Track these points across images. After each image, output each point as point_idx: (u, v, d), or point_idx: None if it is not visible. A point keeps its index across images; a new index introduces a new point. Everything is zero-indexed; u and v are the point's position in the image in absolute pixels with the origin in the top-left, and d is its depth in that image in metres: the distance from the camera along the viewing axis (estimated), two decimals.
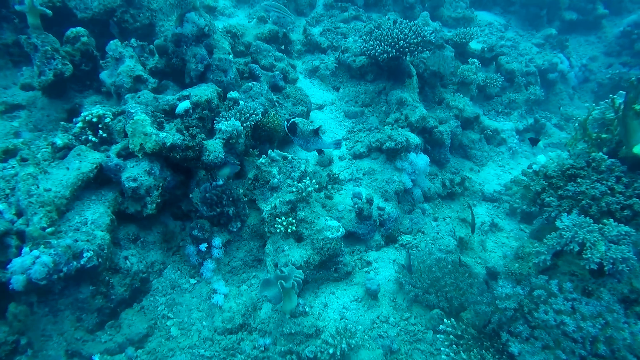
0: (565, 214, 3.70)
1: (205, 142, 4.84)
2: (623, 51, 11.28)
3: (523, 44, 11.35)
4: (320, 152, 6.07)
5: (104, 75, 6.07)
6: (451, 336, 3.93)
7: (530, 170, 4.50)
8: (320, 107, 7.69)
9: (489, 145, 8.68)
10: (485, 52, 9.39)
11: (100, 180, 4.70)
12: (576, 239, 3.43)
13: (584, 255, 3.40)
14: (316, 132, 5.10)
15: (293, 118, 4.99)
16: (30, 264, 3.26)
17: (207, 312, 4.72)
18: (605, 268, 3.36)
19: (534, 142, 7.62)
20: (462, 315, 4.65)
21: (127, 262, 4.62)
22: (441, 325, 4.22)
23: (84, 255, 3.77)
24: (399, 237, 6.09)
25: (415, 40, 7.04)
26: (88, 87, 6.35)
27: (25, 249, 3.40)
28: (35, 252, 3.35)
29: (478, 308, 3.82)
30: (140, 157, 4.59)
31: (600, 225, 3.53)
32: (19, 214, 3.89)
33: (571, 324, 3.15)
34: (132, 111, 4.61)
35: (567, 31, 12.09)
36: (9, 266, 3.29)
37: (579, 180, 3.85)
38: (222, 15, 9.09)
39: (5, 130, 6.02)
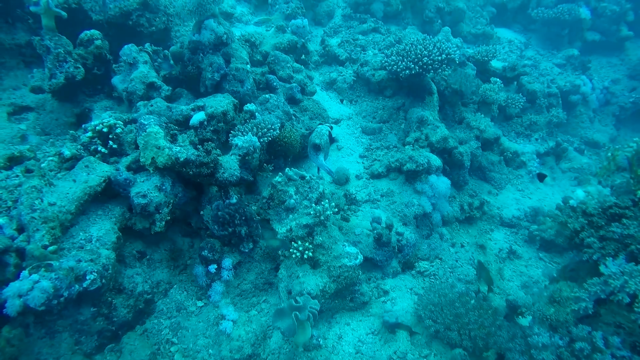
0: (610, 258, 3.40)
1: (220, 158, 4.58)
2: None
3: (544, 63, 11.08)
4: (318, 169, 5.86)
5: (116, 80, 5.86)
6: None
7: (567, 206, 4.20)
8: (336, 122, 7.44)
9: (508, 167, 8.38)
10: (507, 71, 9.12)
11: (108, 193, 4.45)
12: (626, 289, 3.13)
13: (635, 309, 3.10)
14: (317, 147, 4.89)
15: (326, 124, 4.80)
16: (28, 289, 3.00)
17: (214, 339, 4.43)
18: None
19: (541, 177, 7.48)
20: (486, 356, 4.34)
21: (132, 281, 4.35)
22: None
23: (87, 277, 3.50)
24: (416, 264, 5.79)
25: (439, 58, 6.80)
26: (99, 91, 6.13)
27: (24, 273, 3.13)
28: (35, 277, 3.08)
29: (510, 356, 3.51)
30: (152, 171, 4.33)
31: None
32: (20, 229, 3.64)
33: None
34: (145, 123, 4.37)
35: (589, 52, 11.82)
36: (4, 291, 3.03)
37: (624, 221, 3.56)
38: (239, 22, 8.89)
39: (12, 133, 5.79)
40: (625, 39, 11.68)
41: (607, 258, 3.40)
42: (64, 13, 5.54)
